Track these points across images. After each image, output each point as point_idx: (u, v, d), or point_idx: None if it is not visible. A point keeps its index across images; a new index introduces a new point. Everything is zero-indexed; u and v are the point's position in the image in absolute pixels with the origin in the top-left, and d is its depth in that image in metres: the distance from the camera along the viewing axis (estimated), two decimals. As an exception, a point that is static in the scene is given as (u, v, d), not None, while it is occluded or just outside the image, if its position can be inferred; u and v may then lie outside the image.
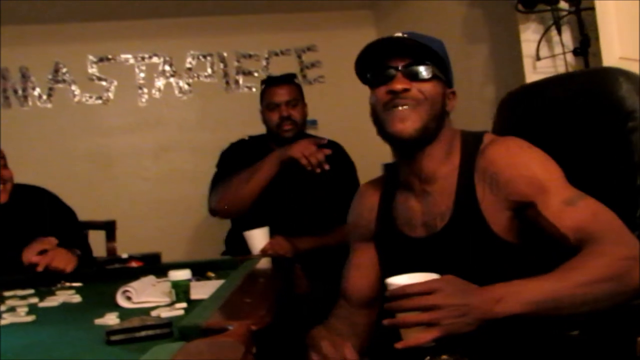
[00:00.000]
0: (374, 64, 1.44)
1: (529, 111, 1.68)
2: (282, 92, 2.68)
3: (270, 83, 2.75)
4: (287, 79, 2.78)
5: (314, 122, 4.16)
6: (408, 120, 1.36)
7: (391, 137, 1.40)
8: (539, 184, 1.30)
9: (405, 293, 1.13)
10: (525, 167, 1.34)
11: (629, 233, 1.22)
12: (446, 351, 1.34)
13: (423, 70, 1.39)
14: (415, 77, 1.39)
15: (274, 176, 2.48)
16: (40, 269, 2.10)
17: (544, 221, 1.27)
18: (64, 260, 2.14)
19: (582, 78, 1.64)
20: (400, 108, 1.37)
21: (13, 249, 2.24)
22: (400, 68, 1.39)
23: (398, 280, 1.19)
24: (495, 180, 1.35)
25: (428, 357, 1.35)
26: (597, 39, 2.03)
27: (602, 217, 1.24)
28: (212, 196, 2.63)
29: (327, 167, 2.46)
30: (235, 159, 2.70)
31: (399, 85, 1.37)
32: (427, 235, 1.43)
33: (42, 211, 2.50)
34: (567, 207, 1.26)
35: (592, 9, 2.04)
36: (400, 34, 1.42)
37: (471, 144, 1.44)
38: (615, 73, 1.49)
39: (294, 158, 2.44)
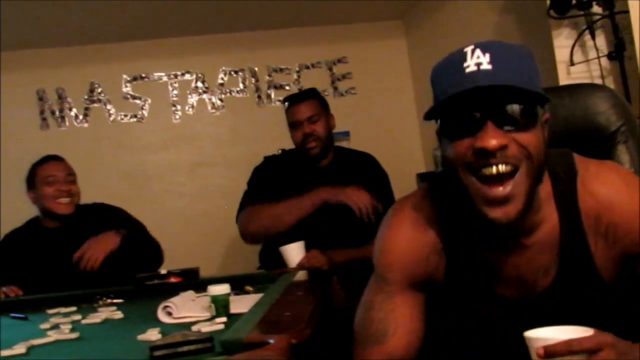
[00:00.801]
0: (448, 106, 1.09)
1: None
2: (302, 109, 2.68)
3: (290, 101, 2.77)
4: (306, 95, 2.79)
5: (346, 134, 4.19)
6: (510, 203, 1.05)
7: (485, 219, 1.08)
8: None
9: (571, 349, 0.95)
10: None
11: None
12: None
13: (521, 115, 1.04)
14: (510, 123, 1.04)
15: (308, 214, 2.51)
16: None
17: None
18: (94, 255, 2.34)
19: (569, 92, 1.64)
20: (495, 170, 1.03)
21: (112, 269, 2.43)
22: (490, 114, 1.04)
23: (546, 334, 1.01)
24: (613, 232, 1.14)
25: None
26: (632, 42, 2.01)
27: None
28: (242, 219, 2.65)
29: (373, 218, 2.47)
30: (265, 178, 2.74)
31: (493, 142, 1.02)
32: (527, 295, 1.21)
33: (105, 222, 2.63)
34: None
35: (627, 11, 2.02)
36: (482, 58, 1.05)
37: (562, 170, 1.19)
38: (600, 88, 1.59)
39: (344, 203, 2.48)
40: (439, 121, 1.13)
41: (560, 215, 1.16)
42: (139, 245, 2.61)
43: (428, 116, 1.12)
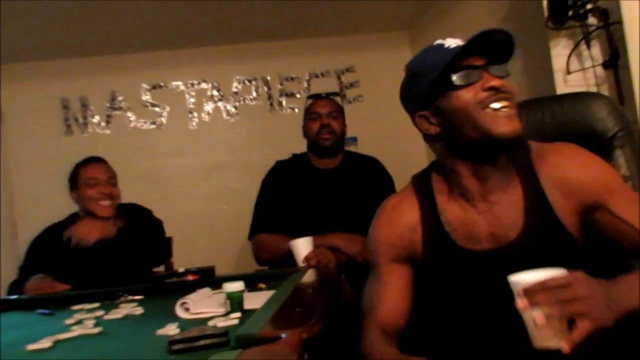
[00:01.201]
0: (456, 64, 1.29)
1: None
2: (324, 104, 2.73)
3: (314, 97, 2.82)
4: (330, 95, 2.85)
5: (354, 139, 4.19)
6: (516, 120, 1.27)
7: (499, 138, 1.26)
8: (609, 186, 1.28)
9: (545, 287, 1.04)
10: (595, 170, 1.30)
11: None
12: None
13: (509, 68, 1.32)
14: (505, 74, 1.30)
15: None
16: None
17: (614, 220, 1.26)
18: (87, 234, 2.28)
19: (567, 101, 1.67)
20: (507, 104, 1.27)
21: (114, 257, 2.38)
22: (488, 66, 1.29)
23: (526, 277, 1.09)
24: (567, 184, 1.29)
25: None
26: (625, 52, 2.01)
27: None
28: (253, 245, 2.70)
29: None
30: (275, 184, 2.76)
31: (498, 82, 1.27)
32: (497, 247, 1.33)
33: (137, 223, 2.58)
34: (636, 206, 1.25)
35: (620, 23, 2.02)
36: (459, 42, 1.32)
37: (522, 153, 1.36)
38: (598, 97, 1.62)
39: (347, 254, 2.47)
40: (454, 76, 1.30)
41: (521, 179, 1.33)
42: (152, 243, 2.59)
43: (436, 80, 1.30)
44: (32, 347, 1.34)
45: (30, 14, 3.32)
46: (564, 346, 1.02)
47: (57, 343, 1.39)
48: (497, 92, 1.26)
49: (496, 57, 1.30)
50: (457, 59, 1.27)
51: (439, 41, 1.35)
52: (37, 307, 1.95)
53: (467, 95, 1.28)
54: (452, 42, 1.32)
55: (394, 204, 1.50)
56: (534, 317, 1.05)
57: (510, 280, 1.11)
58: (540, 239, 1.29)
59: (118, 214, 2.57)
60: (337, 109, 2.75)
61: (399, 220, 1.45)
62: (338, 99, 2.87)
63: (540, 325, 1.05)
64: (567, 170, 1.30)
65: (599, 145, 1.51)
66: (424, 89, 1.34)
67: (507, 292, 1.13)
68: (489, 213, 1.34)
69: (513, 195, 1.33)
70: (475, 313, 1.37)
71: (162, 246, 2.71)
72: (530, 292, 1.05)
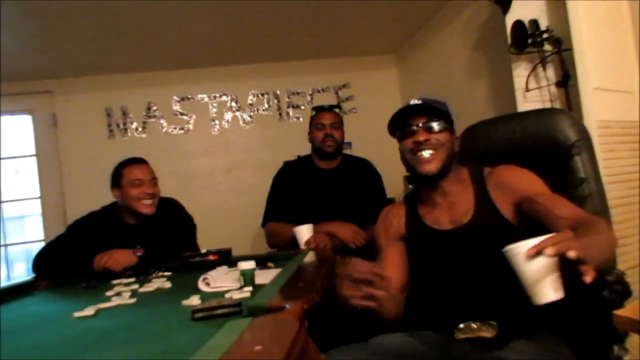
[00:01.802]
0: (400, 124, 1.55)
1: (488, 141, 1.77)
2: (328, 116, 2.71)
3: (320, 109, 2.79)
4: (333, 107, 2.83)
5: (349, 144, 4.19)
6: (432, 163, 1.50)
7: (419, 175, 1.53)
8: (534, 186, 1.43)
9: (550, 242, 1.05)
10: (524, 176, 1.47)
11: None
12: (474, 318, 1.35)
13: (436, 125, 1.51)
14: (431, 130, 1.51)
15: None
16: (96, 268, 2.06)
17: (537, 209, 1.35)
18: (117, 262, 2.07)
19: (533, 116, 1.69)
20: (423, 153, 1.50)
21: (154, 248, 2.28)
22: (420, 125, 1.51)
23: (521, 244, 1.10)
24: (504, 185, 1.47)
25: (461, 326, 1.36)
26: (575, 74, 2.01)
27: (580, 209, 1.36)
28: (265, 233, 2.70)
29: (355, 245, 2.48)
30: (284, 181, 2.75)
31: (421, 138, 1.50)
32: (455, 227, 1.51)
33: (170, 217, 2.47)
34: (556, 199, 1.37)
35: (571, 49, 2.01)
36: (417, 101, 1.53)
37: (476, 172, 1.57)
38: (560, 112, 1.62)
39: (341, 240, 2.46)
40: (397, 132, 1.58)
41: (474, 185, 1.53)
42: (177, 237, 2.43)
43: (389, 130, 1.60)
44: (78, 314, 1.34)
45: (79, 36, 3.33)
46: (587, 277, 1.00)
47: (99, 311, 1.39)
48: (421, 144, 1.50)
49: (433, 116, 1.52)
50: (402, 118, 1.54)
51: (415, 101, 1.55)
52: (83, 281, 1.95)
53: (405, 144, 1.55)
54: (411, 102, 1.54)
55: (389, 208, 1.75)
56: (544, 261, 1.04)
57: (509, 249, 1.11)
58: (484, 222, 1.46)
59: (176, 222, 2.47)
60: (338, 120, 2.73)
61: (391, 215, 1.69)
62: (338, 110, 2.85)
63: (546, 274, 1.05)
64: (505, 177, 1.49)
65: (561, 152, 1.53)
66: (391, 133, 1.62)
67: (462, 260, 1.44)
68: (449, 207, 1.54)
69: (467, 195, 1.52)
70: (437, 275, 1.52)
71: (186, 240, 2.50)
72: (540, 247, 1.05)
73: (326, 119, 2.68)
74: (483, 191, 1.50)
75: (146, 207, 2.33)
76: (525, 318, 1.31)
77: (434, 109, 1.52)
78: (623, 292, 1.28)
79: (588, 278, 1.00)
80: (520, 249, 1.08)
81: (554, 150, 1.54)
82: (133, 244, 2.25)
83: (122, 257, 2.11)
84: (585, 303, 1.31)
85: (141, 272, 2.07)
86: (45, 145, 4.13)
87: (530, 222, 1.37)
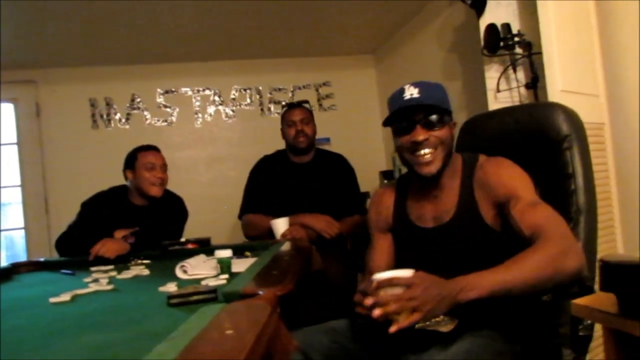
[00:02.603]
0: (396, 117, 1.42)
1: (484, 134, 1.70)
2: (298, 112, 2.67)
3: (289, 107, 2.76)
4: (301, 104, 2.78)
5: (327, 140, 4.19)
6: (432, 164, 1.40)
7: (419, 175, 1.43)
8: (513, 190, 1.33)
9: (392, 283, 1.13)
10: (506, 177, 1.37)
11: (569, 233, 1.24)
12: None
13: (435, 121, 1.39)
14: (430, 126, 1.39)
15: None
16: (91, 258, 2.05)
17: (511, 218, 1.30)
18: (110, 250, 2.08)
19: (528, 109, 1.63)
20: (422, 153, 1.39)
21: (155, 232, 2.34)
22: (419, 120, 1.39)
23: (384, 274, 1.18)
24: (487, 186, 1.39)
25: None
26: (544, 76, 2.02)
27: (552, 220, 1.25)
28: (242, 224, 2.68)
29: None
30: (260, 174, 2.73)
31: (420, 137, 1.38)
32: (435, 225, 1.45)
33: (170, 211, 2.56)
34: (529, 208, 1.29)
35: (540, 53, 2.02)
36: (414, 90, 1.38)
37: (469, 162, 1.47)
38: (554, 106, 1.52)
39: (316, 230, 2.46)
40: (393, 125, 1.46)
41: (461, 181, 1.44)
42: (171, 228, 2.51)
43: (385, 124, 1.46)
44: (54, 300, 1.31)
45: (65, 27, 3.26)
46: (392, 328, 1.10)
47: (75, 297, 1.36)
48: (420, 144, 1.38)
49: (431, 109, 1.39)
50: (399, 114, 1.40)
51: (404, 87, 1.42)
52: (61, 268, 1.91)
53: (402, 141, 1.43)
54: (408, 94, 1.39)
55: (380, 195, 1.65)
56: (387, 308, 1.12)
57: (372, 278, 1.18)
58: (463, 223, 1.40)
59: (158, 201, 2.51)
60: (308, 115, 2.69)
61: (381, 206, 1.61)
62: (308, 105, 2.82)
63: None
64: (489, 176, 1.39)
65: (552, 146, 1.46)
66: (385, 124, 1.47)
67: (438, 260, 1.39)
68: (434, 204, 1.47)
69: (452, 192, 1.44)
70: (413, 266, 1.43)
71: (177, 231, 2.60)
72: (380, 283, 1.14)
73: (296, 116, 2.66)
74: (468, 188, 1.43)
75: (155, 189, 2.44)
76: (483, 317, 1.27)
77: (432, 104, 1.39)
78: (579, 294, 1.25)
79: (392, 328, 1.09)
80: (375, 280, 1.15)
81: (546, 144, 1.47)
82: (138, 224, 2.33)
83: (115, 246, 2.11)
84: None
85: (121, 260, 2.04)
86: (28, 134, 4.03)
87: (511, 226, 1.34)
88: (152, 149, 2.56)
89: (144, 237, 2.27)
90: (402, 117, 1.41)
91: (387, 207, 1.60)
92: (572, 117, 1.48)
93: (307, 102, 2.85)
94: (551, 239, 1.19)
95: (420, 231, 1.48)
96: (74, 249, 2.20)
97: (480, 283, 1.13)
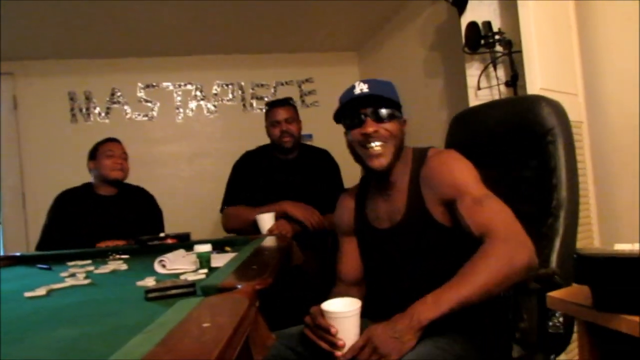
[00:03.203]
0: (346, 111, 1.45)
1: (472, 128, 1.69)
2: (282, 111, 2.64)
3: (273, 105, 2.72)
4: (286, 102, 2.75)
5: (310, 136, 4.18)
6: (382, 157, 1.41)
7: (369, 169, 1.44)
8: (458, 187, 1.33)
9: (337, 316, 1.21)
10: (449, 174, 1.37)
11: (517, 226, 1.23)
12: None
13: (385, 113, 1.41)
14: (379, 119, 1.40)
15: None
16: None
17: (459, 216, 1.30)
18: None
19: (514, 102, 1.63)
20: (373, 145, 1.40)
21: (117, 229, 2.48)
22: (368, 114, 1.40)
23: (331, 307, 1.24)
24: (432, 184, 1.39)
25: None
26: (523, 74, 2.04)
27: (499, 216, 1.25)
28: (223, 218, 2.63)
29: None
30: (244, 168, 2.69)
31: (370, 129, 1.39)
32: (390, 226, 1.46)
33: (140, 205, 2.69)
34: (476, 206, 1.28)
35: (520, 51, 2.05)
36: (364, 86, 1.42)
37: (419, 157, 1.46)
38: (538, 99, 1.50)
39: (298, 219, 2.44)
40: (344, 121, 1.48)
41: (410, 179, 1.45)
42: (151, 225, 2.62)
43: (335, 118, 1.51)
44: (28, 294, 1.29)
45: (44, 18, 3.20)
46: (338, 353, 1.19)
47: (51, 291, 1.34)
48: (370, 136, 1.39)
49: (381, 104, 1.41)
50: (350, 108, 1.43)
51: (354, 84, 1.44)
52: (38, 262, 1.88)
53: (353, 135, 1.44)
54: (358, 89, 1.42)
55: (342, 197, 1.68)
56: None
57: (322, 308, 1.24)
58: (414, 222, 1.41)
59: (126, 193, 2.67)
60: (292, 114, 2.67)
61: (343, 209, 1.64)
62: (292, 102, 2.80)
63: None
64: (433, 174, 1.40)
65: (536, 139, 1.44)
66: (337, 121, 1.52)
67: (394, 260, 1.44)
68: (388, 203, 1.49)
69: (401, 191, 1.45)
70: (376, 272, 1.54)
71: (156, 226, 2.70)
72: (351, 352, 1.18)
73: (280, 115, 2.63)
74: (416, 186, 1.43)
75: (116, 172, 2.59)
76: (446, 321, 1.23)
77: (380, 97, 1.41)
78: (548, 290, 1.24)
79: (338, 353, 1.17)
80: (332, 314, 1.21)
81: (530, 137, 1.46)
82: (106, 214, 2.51)
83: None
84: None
85: (99, 255, 2.02)
86: (5, 128, 3.95)
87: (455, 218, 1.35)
88: (113, 140, 2.71)
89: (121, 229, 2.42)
90: (352, 112, 1.43)
91: (349, 210, 1.61)
92: (557, 110, 1.47)
93: (291, 99, 2.83)
94: (499, 237, 1.18)
95: (378, 232, 1.50)
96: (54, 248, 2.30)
97: (437, 303, 1.13)
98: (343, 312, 1.21)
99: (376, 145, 1.40)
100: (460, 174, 1.36)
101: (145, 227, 2.52)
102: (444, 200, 1.35)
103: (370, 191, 1.57)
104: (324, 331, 1.20)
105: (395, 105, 1.43)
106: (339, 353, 1.18)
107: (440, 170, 1.38)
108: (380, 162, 1.41)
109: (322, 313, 1.22)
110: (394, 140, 1.42)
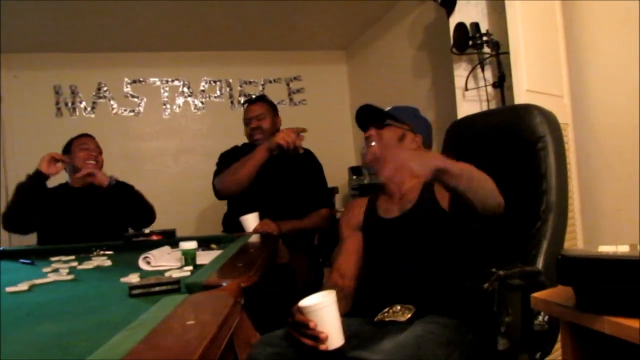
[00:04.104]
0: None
1: (468, 136, 1.75)
2: (253, 109, 2.65)
3: (246, 102, 2.75)
4: (257, 99, 2.74)
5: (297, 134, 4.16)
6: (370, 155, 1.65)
7: (364, 165, 1.61)
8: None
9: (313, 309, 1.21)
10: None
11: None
12: (400, 301, 1.36)
13: (380, 124, 1.64)
14: (385, 125, 1.64)
15: (264, 161, 2.44)
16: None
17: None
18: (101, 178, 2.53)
19: (507, 111, 1.68)
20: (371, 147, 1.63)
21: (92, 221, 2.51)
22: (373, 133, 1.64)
23: (307, 302, 1.23)
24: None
25: (386, 309, 1.37)
26: (510, 76, 2.06)
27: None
28: (215, 181, 2.57)
29: (302, 150, 2.48)
30: (230, 158, 2.66)
31: (369, 133, 1.65)
32: (401, 214, 1.56)
33: (123, 191, 2.65)
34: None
35: (507, 53, 2.05)
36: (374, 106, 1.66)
37: None
38: (531, 108, 1.55)
39: (279, 144, 2.41)
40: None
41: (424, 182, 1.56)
42: (137, 206, 2.64)
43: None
44: (10, 289, 1.27)
45: (30, 11, 3.15)
46: (322, 346, 1.19)
47: (33, 287, 1.32)
48: (369, 139, 1.65)
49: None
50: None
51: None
52: (20, 257, 1.85)
53: (364, 136, 1.68)
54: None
55: (355, 200, 1.85)
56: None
57: (303, 306, 1.23)
58: (423, 209, 1.53)
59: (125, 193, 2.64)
60: (264, 110, 2.65)
61: (355, 205, 1.75)
62: (266, 99, 2.77)
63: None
64: None
65: (528, 146, 1.49)
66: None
67: (400, 246, 1.51)
68: (401, 197, 1.60)
69: (415, 188, 1.58)
70: (379, 262, 1.56)
71: (146, 209, 2.70)
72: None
73: (252, 112, 2.63)
74: (429, 185, 1.54)
75: (89, 166, 2.58)
76: (438, 306, 1.35)
77: (381, 112, 1.65)
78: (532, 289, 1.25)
79: (323, 346, 1.18)
80: (308, 309, 1.21)
81: (522, 145, 1.51)
82: (74, 204, 2.54)
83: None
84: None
85: (82, 250, 1.99)
86: (-12, 121, 3.88)
87: (460, 209, 1.41)
88: (86, 135, 2.72)
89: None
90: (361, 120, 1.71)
91: (360, 206, 1.72)
92: (549, 119, 1.52)
93: (263, 96, 2.82)
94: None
95: (386, 221, 1.59)
96: (18, 213, 2.43)
97: (452, 162, 1.21)
98: (317, 304, 1.21)
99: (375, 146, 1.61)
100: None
101: (123, 217, 2.56)
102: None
103: (382, 195, 1.69)
104: (304, 327, 1.21)
105: (394, 118, 1.65)
106: (323, 346, 1.18)
107: None
108: (383, 178, 1.52)
109: (300, 310, 1.23)
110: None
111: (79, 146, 2.62)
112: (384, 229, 1.59)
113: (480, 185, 1.26)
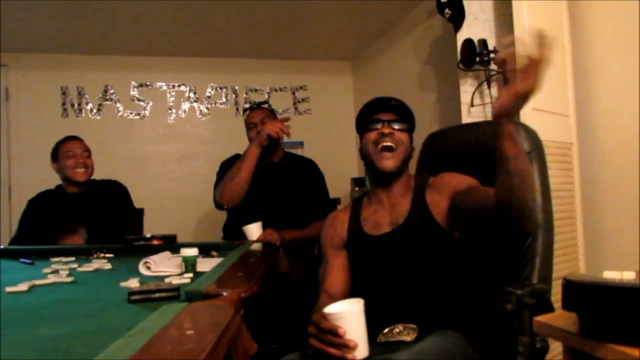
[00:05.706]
0: (367, 119, 1.56)
1: (445, 149, 1.76)
2: (256, 114, 2.65)
3: (249, 109, 2.73)
4: (260, 105, 2.75)
5: (301, 143, 4.18)
6: (391, 159, 1.50)
7: (378, 170, 1.51)
8: (466, 182, 1.45)
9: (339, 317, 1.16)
10: (460, 176, 1.49)
11: None
12: (400, 321, 1.34)
13: (402, 123, 1.53)
14: (396, 127, 1.52)
15: (258, 157, 2.44)
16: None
17: (476, 196, 1.36)
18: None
19: (490, 126, 1.65)
20: (385, 144, 1.49)
21: (94, 218, 2.50)
22: (387, 119, 1.52)
23: (334, 309, 1.19)
24: (440, 185, 1.50)
25: (386, 330, 1.34)
26: (517, 93, 2.05)
27: None
28: (215, 194, 2.55)
29: (289, 136, 2.49)
30: (230, 165, 2.66)
31: (386, 130, 1.50)
32: (392, 229, 1.50)
33: (108, 199, 2.64)
34: (482, 187, 1.40)
35: (514, 70, 2.05)
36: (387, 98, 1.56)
37: (420, 180, 1.58)
38: (515, 125, 1.53)
39: (268, 135, 2.42)
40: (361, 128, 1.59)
41: (414, 190, 1.54)
42: (122, 219, 2.61)
43: (357, 124, 1.63)
44: (9, 289, 1.26)
45: (39, 12, 3.17)
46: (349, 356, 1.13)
47: (32, 287, 1.31)
48: (385, 135, 1.50)
49: (398, 116, 1.54)
50: (371, 113, 1.56)
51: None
52: (20, 256, 1.84)
53: (369, 136, 1.54)
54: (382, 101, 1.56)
55: (334, 214, 1.71)
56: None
57: (328, 313, 1.18)
58: (417, 223, 1.48)
59: (95, 188, 2.63)
60: (267, 115, 2.65)
61: (336, 222, 1.65)
62: (267, 106, 2.78)
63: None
64: (445, 178, 1.52)
65: None
66: (357, 128, 1.63)
67: (393, 262, 1.45)
68: (391, 208, 1.54)
69: (406, 199, 1.53)
70: (371, 280, 1.51)
71: (131, 217, 2.69)
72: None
73: (255, 117, 2.63)
74: (420, 196, 1.51)
75: (78, 174, 2.55)
76: (440, 321, 1.33)
77: (402, 108, 1.55)
78: (537, 306, 1.25)
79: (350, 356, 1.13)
80: (338, 315, 1.16)
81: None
82: (72, 214, 2.49)
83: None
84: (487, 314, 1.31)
85: (83, 252, 1.98)
86: (-5, 119, 3.89)
87: (456, 223, 1.44)
88: (71, 138, 2.66)
89: (92, 225, 2.45)
90: (371, 118, 1.56)
91: (342, 222, 1.64)
92: (532, 136, 1.53)
93: (265, 102, 2.83)
94: None
95: (374, 239, 1.53)
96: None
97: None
98: (347, 310, 1.16)
99: (388, 144, 1.50)
100: (467, 177, 1.48)
101: (115, 221, 2.53)
102: (453, 193, 1.44)
103: (368, 204, 1.61)
104: (332, 334, 1.14)
105: (410, 122, 1.56)
106: (350, 355, 1.12)
107: (455, 175, 1.51)
108: (389, 164, 1.49)
109: (326, 317, 1.16)
110: (404, 149, 1.52)
111: (65, 154, 2.56)
112: (372, 247, 1.51)
113: (529, 174, 1.24)
